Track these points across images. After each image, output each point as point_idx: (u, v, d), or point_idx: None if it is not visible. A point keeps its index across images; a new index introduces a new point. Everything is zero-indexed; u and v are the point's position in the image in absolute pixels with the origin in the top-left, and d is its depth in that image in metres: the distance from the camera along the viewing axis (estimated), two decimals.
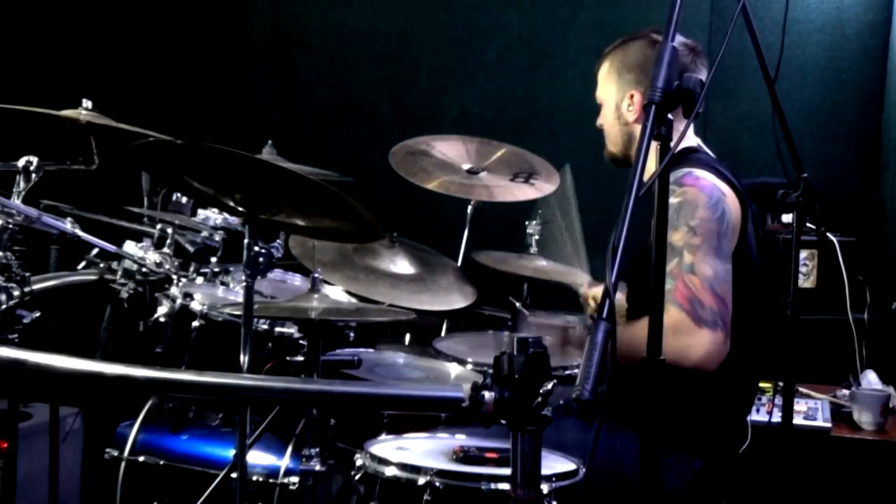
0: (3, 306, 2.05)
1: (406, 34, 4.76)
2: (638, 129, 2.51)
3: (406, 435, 2.41)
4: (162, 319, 2.87)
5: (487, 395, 1.44)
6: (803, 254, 3.64)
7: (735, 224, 2.30)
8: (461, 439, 2.33)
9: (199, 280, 3.01)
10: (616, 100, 2.56)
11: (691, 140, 2.48)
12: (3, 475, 2.86)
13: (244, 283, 2.22)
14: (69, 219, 2.60)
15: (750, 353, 2.40)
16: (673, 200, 2.22)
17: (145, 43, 4.95)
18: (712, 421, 2.39)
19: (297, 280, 3.19)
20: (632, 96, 2.52)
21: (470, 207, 3.53)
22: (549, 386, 1.42)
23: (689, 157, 2.40)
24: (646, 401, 1.58)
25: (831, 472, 3.13)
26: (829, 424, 3.16)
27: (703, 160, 2.39)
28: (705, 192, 2.26)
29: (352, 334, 2.87)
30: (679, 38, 2.48)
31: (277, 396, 1.82)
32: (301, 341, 2.75)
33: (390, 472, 2.10)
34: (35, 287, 2.29)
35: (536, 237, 3.47)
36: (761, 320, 2.46)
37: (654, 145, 2.42)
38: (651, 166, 2.45)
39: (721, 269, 2.21)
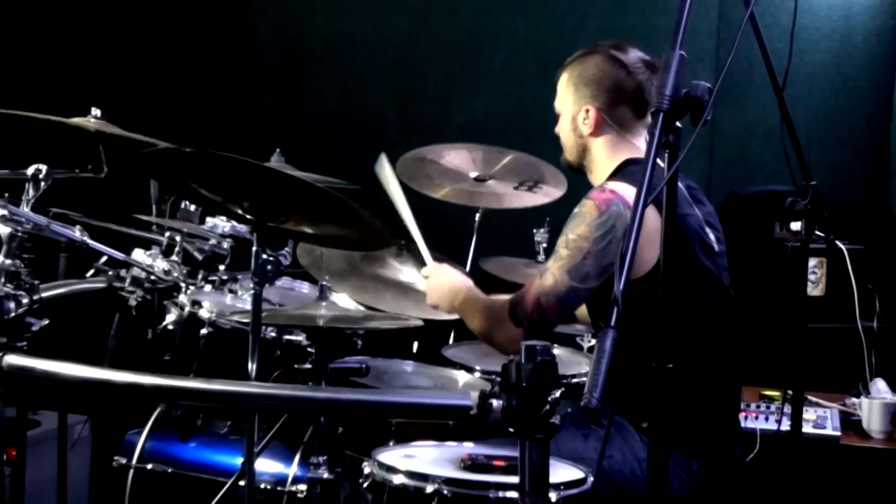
0: (12, 314, 2.05)
1: (413, 42, 4.77)
2: (592, 141, 2.58)
3: (414, 443, 2.41)
4: (170, 327, 2.87)
5: (495, 403, 1.44)
6: (812, 262, 3.64)
7: (644, 241, 2.29)
8: (469, 447, 2.33)
9: (208, 288, 3.02)
10: (573, 112, 2.60)
11: (639, 146, 2.51)
12: (12, 483, 2.86)
13: (252, 291, 2.22)
14: (78, 227, 2.60)
15: (724, 346, 2.45)
16: (575, 210, 2.40)
17: (153, 52, 4.96)
18: (702, 420, 2.40)
19: (304, 288, 3.19)
20: (587, 111, 2.55)
21: (477, 215, 3.53)
22: (557, 394, 1.42)
23: (624, 169, 2.48)
24: (650, 407, 1.59)
25: (840, 480, 3.12)
26: (838, 433, 3.15)
27: (633, 173, 2.42)
28: (599, 209, 2.34)
29: (360, 342, 2.88)
30: (637, 54, 2.54)
31: (285, 404, 1.82)
32: (309, 349, 2.75)
33: (398, 480, 2.09)
34: (44, 295, 2.29)
35: (544, 245, 3.47)
36: (727, 322, 2.46)
37: (606, 143, 2.51)
38: (600, 178, 2.52)
39: (562, 287, 2.34)
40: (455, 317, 3.11)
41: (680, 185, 2.48)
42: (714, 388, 2.45)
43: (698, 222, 2.46)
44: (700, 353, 2.38)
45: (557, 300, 2.34)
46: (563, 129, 2.65)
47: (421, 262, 3.01)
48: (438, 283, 2.66)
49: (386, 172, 2.82)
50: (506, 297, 2.48)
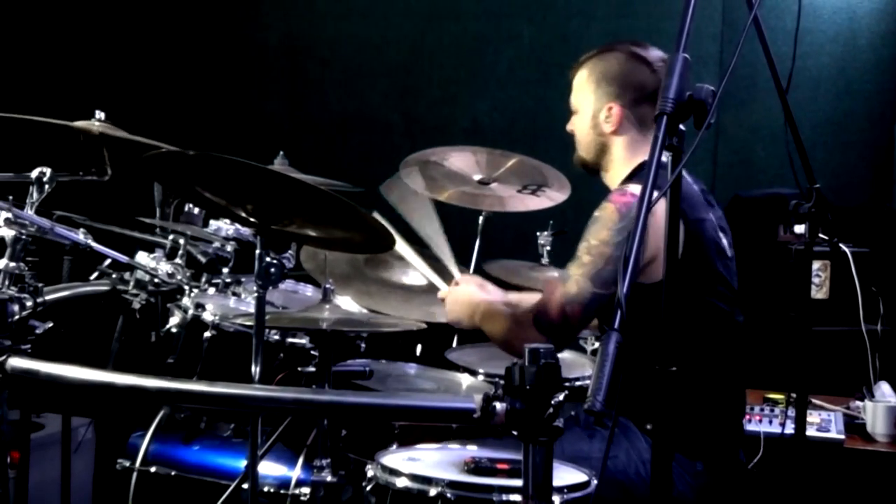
0: (16, 316, 2.05)
1: (417, 45, 4.77)
2: (613, 140, 2.55)
3: (417, 446, 2.41)
4: (174, 330, 2.87)
5: (499, 406, 1.44)
6: (816, 265, 3.63)
7: (655, 246, 2.29)
8: (473, 450, 2.33)
9: (211, 290, 3.02)
10: (593, 109, 2.57)
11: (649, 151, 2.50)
12: (16, 485, 2.86)
13: (256, 294, 2.22)
14: (82, 229, 2.61)
15: (730, 349, 2.45)
16: (595, 214, 2.37)
17: (158, 54, 4.97)
18: (706, 422, 2.40)
19: (308, 291, 3.19)
20: (610, 108, 2.53)
21: (481, 218, 3.53)
22: (561, 397, 1.42)
23: (642, 171, 2.44)
24: (655, 409, 1.59)
25: (845, 483, 3.11)
26: (842, 436, 3.15)
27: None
28: (620, 213, 2.32)
29: (363, 345, 2.88)
30: (657, 52, 2.53)
31: (289, 407, 1.82)
32: (312, 352, 2.75)
33: (401, 483, 2.09)
34: (48, 297, 2.29)
35: (548, 248, 3.47)
36: (737, 328, 2.46)
37: (626, 142, 2.49)
38: (617, 178, 2.51)
39: (586, 293, 2.31)
40: None
41: (695, 188, 2.47)
42: (721, 391, 2.45)
43: (713, 227, 2.45)
44: (710, 358, 2.38)
45: (582, 307, 2.31)
46: (581, 127, 2.62)
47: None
48: (456, 299, 2.63)
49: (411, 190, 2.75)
50: (526, 304, 2.44)
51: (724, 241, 2.48)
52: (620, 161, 2.54)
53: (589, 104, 2.58)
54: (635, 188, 2.36)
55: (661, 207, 2.29)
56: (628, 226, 2.28)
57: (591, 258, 2.31)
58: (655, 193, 2.29)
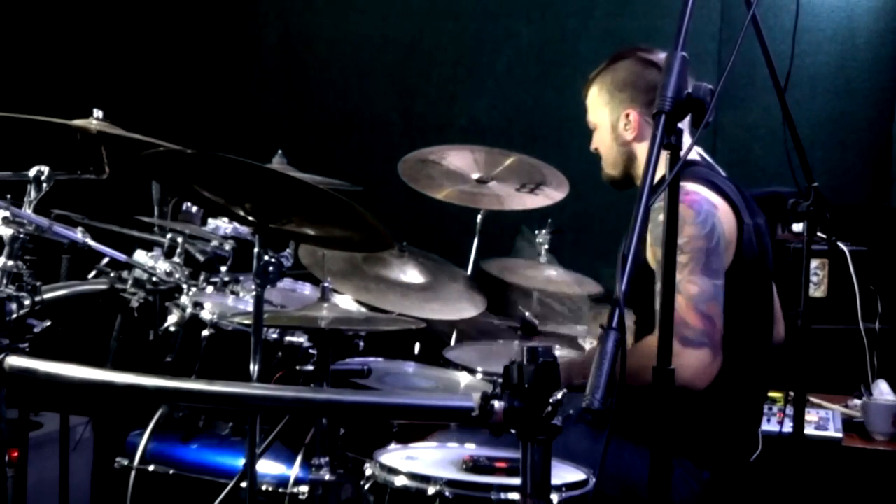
0: (14, 315, 2.05)
1: (416, 44, 4.77)
2: (637, 147, 2.54)
3: (415, 444, 2.41)
4: (172, 329, 2.87)
5: (497, 404, 1.44)
6: (814, 263, 3.63)
7: (728, 238, 2.30)
8: (471, 449, 2.33)
9: (210, 289, 3.01)
10: (611, 121, 2.56)
11: (691, 152, 2.48)
12: (14, 485, 2.86)
13: (254, 293, 2.22)
14: (80, 228, 2.60)
15: (756, 364, 2.42)
16: (661, 217, 2.19)
17: (156, 53, 4.97)
18: (720, 432, 2.39)
19: (306, 289, 3.19)
20: (627, 115, 2.53)
21: (479, 216, 3.53)
22: (559, 395, 1.42)
23: (684, 170, 2.38)
24: (655, 411, 1.58)
25: (843, 482, 3.11)
26: (840, 434, 3.15)
27: (697, 173, 2.38)
28: (693, 208, 2.27)
29: (362, 343, 2.88)
30: (663, 53, 2.51)
31: (287, 406, 1.82)
32: (311, 350, 2.75)
33: (400, 481, 2.09)
34: (46, 296, 2.29)
35: (546, 246, 3.47)
36: (767, 332, 2.45)
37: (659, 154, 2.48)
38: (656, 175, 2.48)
39: (708, 287, 2.22)
40: (456, 317, 3.13)
41: (739, 192, 2.44)
42: (740, 404, 2.44)
43: (759, 232, 2.45)
44: (742, 371, 2.36)
45: (714, 300, 2.23)
46: (603, 142, 2.61)
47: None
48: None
49: None
50: (649, 339, 2.28)
51: (768, 250, 2.47)
52: None
53: (605, 117, 2.58)
54: (687, 187, 2.31)
55: (720, 201, 2.29)
56: (707, 220, 2.26)
57: (689, 256, 2.22)
58: (698, 188, 2.27)
